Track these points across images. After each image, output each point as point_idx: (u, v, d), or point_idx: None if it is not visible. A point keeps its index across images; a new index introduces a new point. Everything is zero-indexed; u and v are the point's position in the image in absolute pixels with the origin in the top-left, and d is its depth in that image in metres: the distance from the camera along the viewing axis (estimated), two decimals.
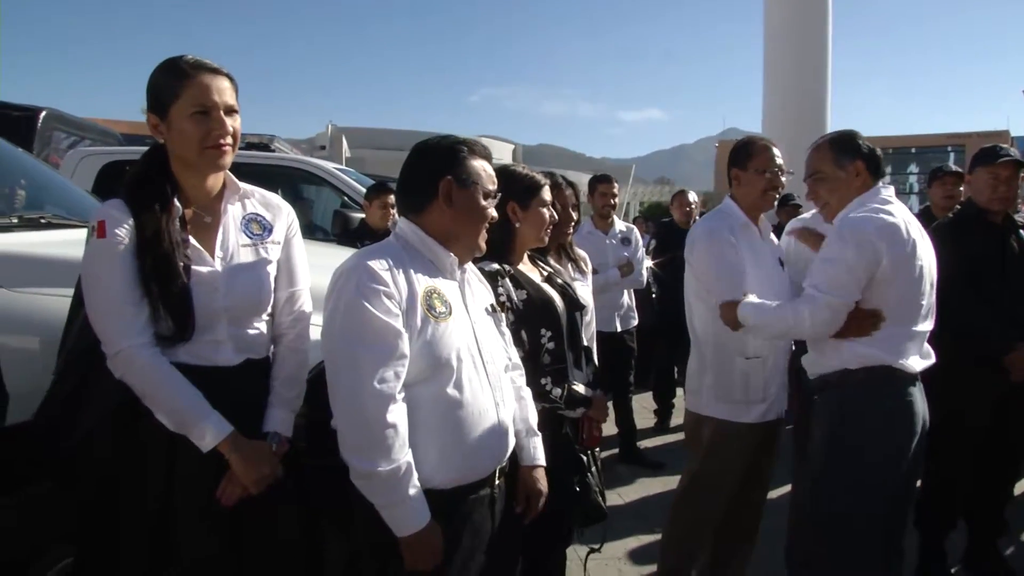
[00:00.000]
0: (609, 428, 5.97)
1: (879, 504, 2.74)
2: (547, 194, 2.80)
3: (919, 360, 2.81)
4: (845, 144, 2.93)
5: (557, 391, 2.67)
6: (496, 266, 2.66)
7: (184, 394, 1.98)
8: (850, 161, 2.89)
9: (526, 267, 2.84)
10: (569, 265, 3.38)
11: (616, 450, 5.93)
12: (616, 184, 6.22)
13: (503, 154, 61.22)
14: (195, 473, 2.01)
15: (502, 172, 2.67)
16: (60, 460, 2.07)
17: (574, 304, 2.87)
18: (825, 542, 2.81)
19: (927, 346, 2.88)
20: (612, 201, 6.08)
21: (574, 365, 2.83)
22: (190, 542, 2.02)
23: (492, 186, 2.18)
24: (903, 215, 2.80)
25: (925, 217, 5.88)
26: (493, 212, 2.18)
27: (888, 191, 2.90)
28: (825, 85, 12.68)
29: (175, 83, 2.01)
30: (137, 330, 1.97)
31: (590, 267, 3.64)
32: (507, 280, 2.66)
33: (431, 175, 2.11)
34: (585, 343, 2.99)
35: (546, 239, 2.84)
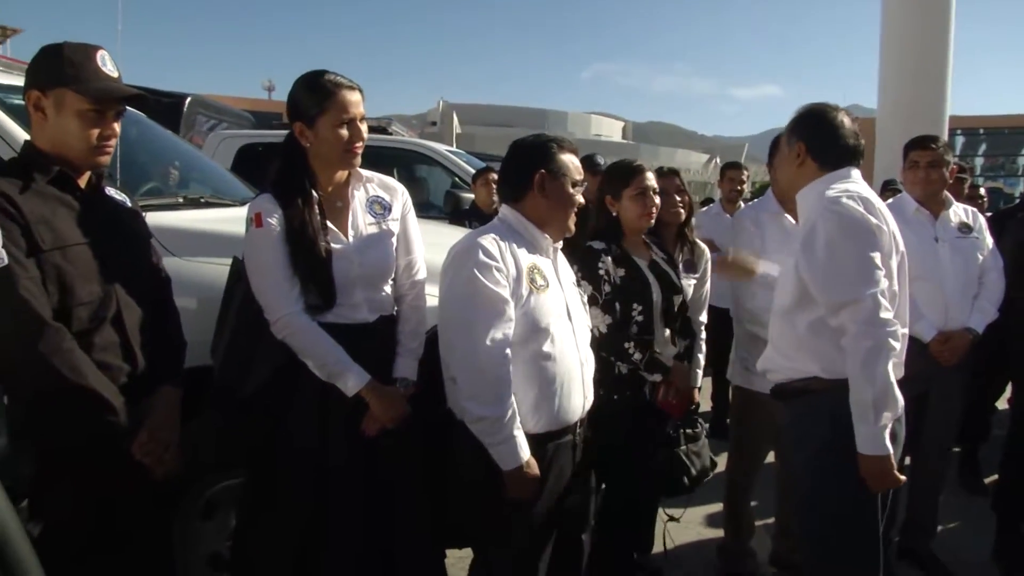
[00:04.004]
0: (706, 405, 6.22)
1: (872, 519, 2.48)
2: (643, 183, 3.13)
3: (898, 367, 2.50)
4: (800, 119, 2.64)
5: (638, 355, 3.00)
6: (602, 245, 3.07)
7: (331, 351, 2.39)
8: (796, 139, 2.61)
9: (638, 251, 3.19)
10: (685, 248, 3.58)
11: (707, 424, 6.13)
12: (746, 171, 6.45)
13: (613, 131, 60.66)
14: (342, 412, 2.44)
15: (606, 169, 3.32)
16: (238, 404, 2.51)
17: (673, 288, 3.19)
18: (819, 555, 2.59)
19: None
20: (739, 187, 6.31)
21: (670, 342, 3.17)
22: (337, 455, 2.46)
23: (579, 176, 2.52)
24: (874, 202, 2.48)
25: None
26: (580, 199, 2.52)
27: (849, 181, 2.51)
28: (945, 59, 12.04)
29: (322, 99, 2.40)
30: (292, 300, 2.39)
31: (705, 260, 3.85)
32: (608, 258, 3.04)
33: (527, 168, 2.48)
34: (687, 315, 3.32)
35: (650, 222, 3.18)
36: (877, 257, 2.37)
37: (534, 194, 2.47)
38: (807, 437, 2.54)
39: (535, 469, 2.36)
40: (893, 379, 2.31)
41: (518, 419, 2.32)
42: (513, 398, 2.31)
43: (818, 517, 2.55)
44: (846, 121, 2.57)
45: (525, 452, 2.33)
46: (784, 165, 2.69)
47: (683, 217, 3.53)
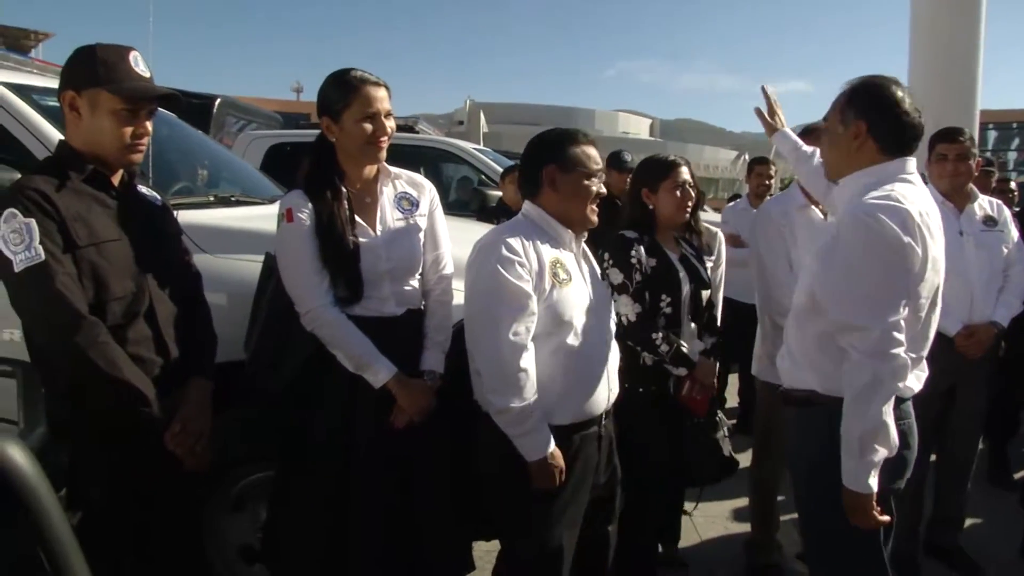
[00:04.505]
0: (732, 400, 6.21)
1: (873, 540, 2.31)
2: (680, 177, 3.17)
3: (917, 380, 2.36)
4: (860, 94, 2.29)
5: (665, 347, 3.00)
6: (635, 235, 3.10)
7: (359, 343, 2.45)
8: (853, 118, 2.26)
9: (669, 244, 3.22)
10: (694, 236, 3.60)
11: (734, 420, 6.12)
12: (773, 166, 6.36)
13: (640, 129, 60.29)
14: (371, 402, 2.48)
15: (641, 163, 3.32)
16: (270, 394, 2.58)
17: (701, 283, 3.22)
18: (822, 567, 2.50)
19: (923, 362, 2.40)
20: (767, 182, 6.24)
21: (696, 336, 3.19)
22: (365, 441, 2.50)
23: (596, 166, 2.51)
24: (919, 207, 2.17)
25: None
26: (598, 189, 2.50)
27: (906, 181, 2.22)
28: (976, 52, 11.81)
29: (347, 95, 2.45)
30: (321, 293, 2.45)
31: (719, 241, 3.87)
32: (641, 247, 3.06)
33: (538, 164, 2.50)
34: (713, 312, 3.35)
35: (685, 216, 3.25)
36: (900, 284, 2.13)
37: (547, 189, 2.49)
38: (804, 451, 2.42)
39: (560, 461, 2.38)
40: (889, 418, 2.11)
41: (542, 411, 2.34)
42: (536, 390, 2.33)
43: (817, 534, 2.48)
44: (907, 96, 2.27)
45: (549, 444, 2.35)
46: (836, 147, 2.34)
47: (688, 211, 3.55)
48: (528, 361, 2.32)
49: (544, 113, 42.98)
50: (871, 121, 2.23)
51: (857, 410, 2.11)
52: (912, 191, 2.21)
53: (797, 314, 2.41)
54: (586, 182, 2.48)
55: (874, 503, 2.15)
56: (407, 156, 5.96)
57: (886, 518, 2.20)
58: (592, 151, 2.53)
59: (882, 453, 2.12)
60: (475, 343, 2.42)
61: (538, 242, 2.42)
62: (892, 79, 2.31)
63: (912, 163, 2.27)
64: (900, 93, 2.25)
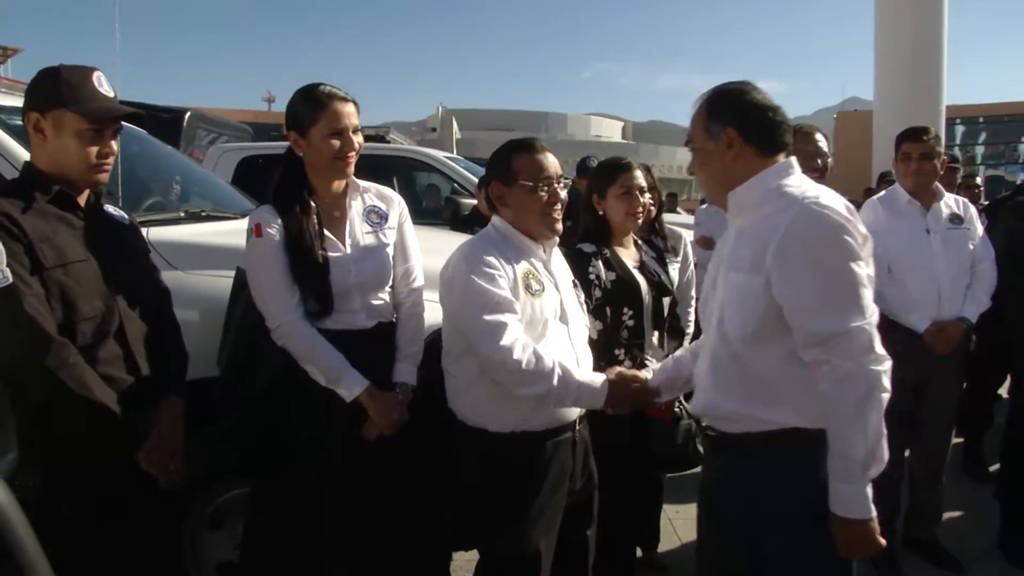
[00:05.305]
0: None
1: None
2: (628, 181, 3.10)
3: None
4: (717, 103, 2.11)
5: (628, 363, 2.94)
6: (592, 248, 3.05)
7: (331, 357, 2.44)
8: (720, 128, 2.08)
9: (627, 251, 3.17)
10: (658, 240, 3.61)
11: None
12: None
13: (613, 132, 60.53)
14: (344, 415, 2.48)
15: (594, 168, 3.29)
16: (243, 407, 2.58)
17: (662, 290, 3.18)
18: None
19: None
20: None
21: (658, 344, 3.15)
22: (339, 453, 2.50)
23: (545, 173, 2.44)
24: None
25: None
26: (549, 197, 2.44)
27: (794, 175, 2.07)
28: (940, 48, 11.98)
29: (314, 110, 2.46)
30: (291, 308, 2.45)
31: (684, 243, 3.89)
32: (599, 262, 3.02)
33: (487, 180, 2.53)
34: (676, 318, 3.31)
35: (638, 221, 3.16)
36: (863, 272, 1.94)
37: (499, 204, 2.50)
38: (788, 497, 2.02)
39: (634, 375, 2.45)
40: (884, 428, 1.91)
41: (571, 371, 2.33)
42: (551, 360, 2.30)
43: None
44: (763, 96, 2.11)
45: (598, 376, 2.38)
46: (711, 164, 2.13)
47: (652, 215, 3.52)
48: (527, 349, 2.28)
49: (517, 118, 43.10)
50: (739, 125, 2.06)
51: (858, 428, 1.88)
52: (817, 186, 2.06)
53: (742, 343, 2.05)
54: (536, 193, 2.43)
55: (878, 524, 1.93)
56: (377, 166, 5.94)
57: (884, 540, 1.95)
58: (541, 158, 2.47)
59: (876, 471, 1.91)
60: (480, 357, 2.35)
61: (508, 254, 2.42)
62: (746, 82, 2.16)
63: (795, 161, 2.11)
64: (758, 93, 2.10)
